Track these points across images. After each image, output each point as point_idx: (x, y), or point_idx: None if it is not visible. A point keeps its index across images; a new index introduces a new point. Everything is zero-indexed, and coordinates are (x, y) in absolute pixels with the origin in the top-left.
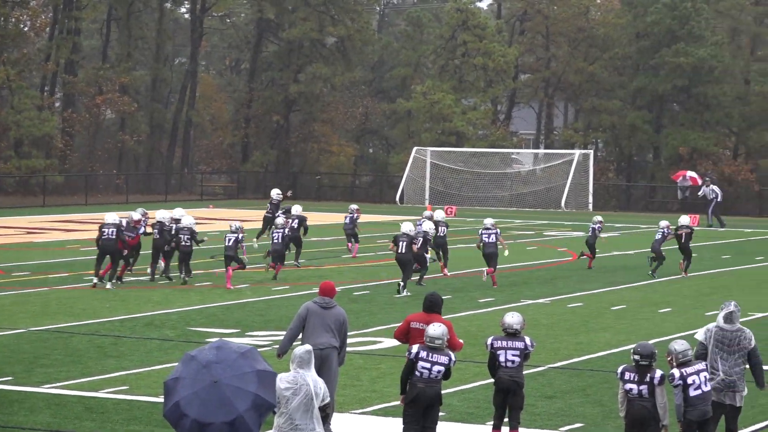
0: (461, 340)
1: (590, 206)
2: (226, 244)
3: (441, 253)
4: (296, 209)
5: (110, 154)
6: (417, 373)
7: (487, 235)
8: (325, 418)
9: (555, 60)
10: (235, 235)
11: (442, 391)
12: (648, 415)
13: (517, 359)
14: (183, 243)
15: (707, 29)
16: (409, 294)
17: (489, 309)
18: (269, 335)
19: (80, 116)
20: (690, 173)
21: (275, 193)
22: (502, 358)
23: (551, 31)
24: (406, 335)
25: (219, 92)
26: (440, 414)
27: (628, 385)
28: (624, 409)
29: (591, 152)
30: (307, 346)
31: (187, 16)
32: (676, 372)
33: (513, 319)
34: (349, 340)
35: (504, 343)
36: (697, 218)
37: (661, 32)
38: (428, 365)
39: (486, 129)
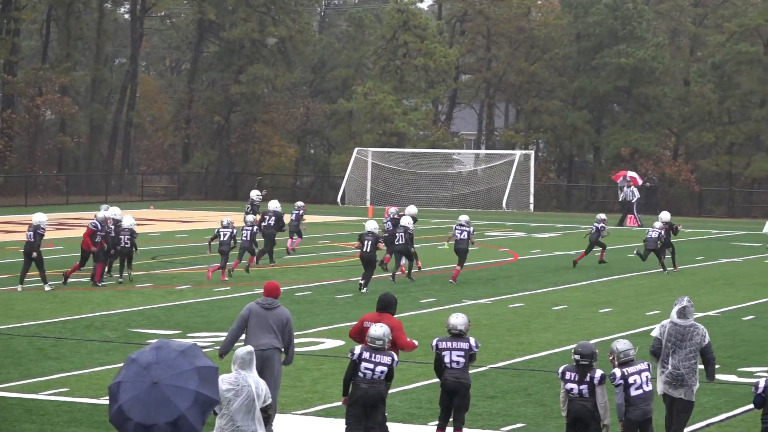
0: (415, 341)
1: (531, 206)
2: (222, 239)
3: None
4: (274, 204)
5: (50, 155)
6: (360, 373)
7: (459, 231)
8: (267, 420)
9: (496, 60)
10: (229, 230)
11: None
12: (589, 414)
13: (462, 360)
14: (123, 244)
15: (648, 30)
16: (351, 295)
17: (431, 309)
18: (211, 336)
19: (20, 117)
20: (630, 173)
21: (254, 194)
22: (447, 359)
23: (492, 32)
24: (361, 334)
25: (159, 93)
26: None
27: (569, 385)
28: (565, 408)
29: (532, 153)
30: (249, 348)
31: (127, 16)
32: (617, 371)
33: (458, 320)
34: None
35: (449, 344)
36: (634, 219)
37: (602, 33)
38: (371, 366)
39: (427, 129)
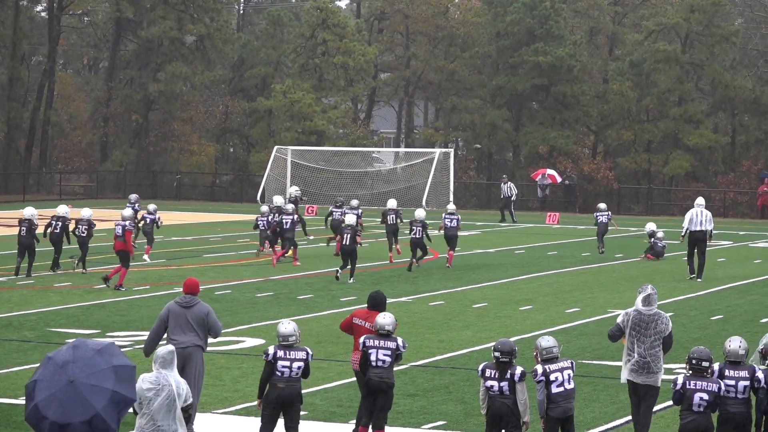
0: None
1: (451, 205)
2: (285, 227)
3: (395, 239)
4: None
5: None
6: (277, 372)
7: (449, 220)
8: (188, 419)
9: (415, 59)
10: (291, 216)
11: (307, 390)
12: (508, 411)
13: (388, 359)
14: (80, 234)
15: (565, 29)
16: (271, 294)
17: (351, 308)
18: (130, 335)
19: None
20: (549, 171)
21: (283, 197)
22: (373, 358)
23: (411, 30)
24: (350, 329)
25: (77, 91)
26: (303, 413)
27: (489, 382)
28: (485, 406)
29: (451, 151)
30: (170, 347)
31: (44, 14)
32: (539, 368)
33: (385, 320)
34: (212, 340)
35: (376, 342)
36: (557, 216)
37: (520, 32)
38: (287, 363)
39: (347, 128)
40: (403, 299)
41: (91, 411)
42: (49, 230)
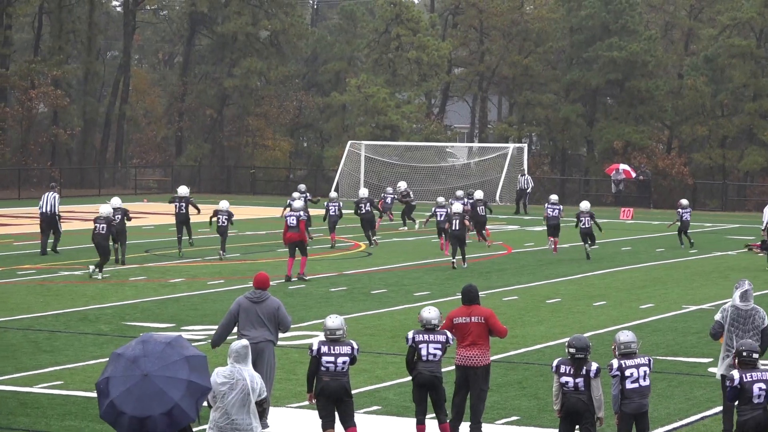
0: (505, 327)
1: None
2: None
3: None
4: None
5: (43, 148)
6: (323, 367)
7: (552, 209)
8: (262, 413)
9: (489, 54)
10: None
11: (380, 385)
12: (583, 407)
13: (438, 353)
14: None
15: (641, 23)
16: (345, 289)
17: (425, 303)
18: (204, 329)
19: (12, 110)
20: (623, 166)
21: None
22: (423, 352)
23: (485, 25)
24: (452, 330)
25: (152, 86)
26: (375, 408)
27: (564, 378)
28: (559, 402)
29: (525, 146)
30: (244, 341)
31: (119, 9)
32: (615, 362)
33: (431, 314)
34: (285, 335)
35: (426, 337)
36: (631, 211)
37: (594, 26)
38: (332, 359)
39: (420, 123)
40: None
41: (169, 402)
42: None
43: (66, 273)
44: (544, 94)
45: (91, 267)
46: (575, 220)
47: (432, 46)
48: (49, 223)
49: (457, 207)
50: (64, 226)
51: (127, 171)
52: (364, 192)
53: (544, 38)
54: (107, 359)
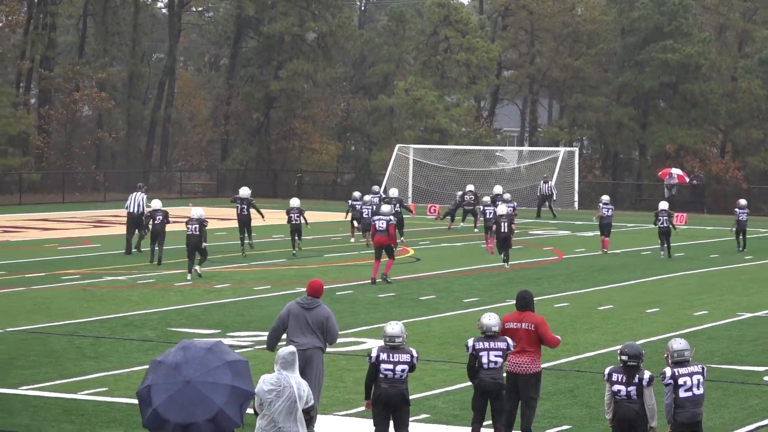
0: (558, 336)
1: (576, 204)
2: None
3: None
4: (393, 192)
5: (87, 151)
6: (381, 375)
7: (606, 209)
8: (309, 421)
9: (539, 56)
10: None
11: (429, 392)
12: (636, 416)
13: (500, 360)
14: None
15: (694, 26)
16: (393, 294)
17: (474, 309)
18: (250, 336)
19: (57, 113)
20: (676, 170)
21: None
22: (485, 360)
23: (535, 27)
24: (505, 334)
25: (198, 89)
26: (425, 416)
27: (616, 387)
28: (611, 411)
29: (576, 150)
30: (291, 348)
31: (164, 11)
32: (668, 371)
33: (491, 321)
34: None
35: (486, 344)
36: (685, 216)
37: (647, 28)
38: (391, 366)
39: (469, 126)
40: None
41: (213, 408)
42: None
43: (110, 278)
44: (595, 97)
45: (197, 268)
46: (653, 218)
47: (481, 48)
48: (136, 222)
49: (502, 209)
50: (107, 231)
51: (172, 175)
52: (394, 192)
53: (596, 40)
54: None
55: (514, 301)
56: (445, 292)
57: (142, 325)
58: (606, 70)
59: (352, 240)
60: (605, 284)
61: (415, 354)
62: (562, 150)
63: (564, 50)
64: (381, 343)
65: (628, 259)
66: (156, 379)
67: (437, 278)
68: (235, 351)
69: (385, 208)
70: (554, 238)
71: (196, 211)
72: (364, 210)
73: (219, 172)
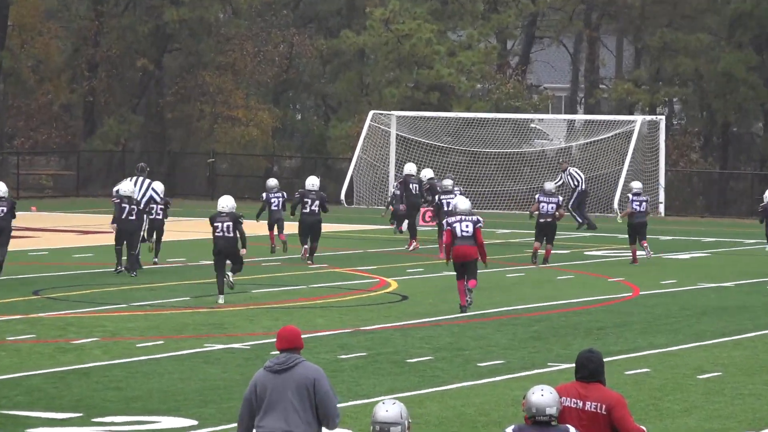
0: (642, 427)
1: (662, 208)
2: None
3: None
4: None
5: None
6: None
7: (638, 203)
8: None
9: None
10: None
11: None
12: None
13: None
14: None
15: None
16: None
17: (496, 378)
18: (130, 421)
19: None
20: None
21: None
22: None
23: None
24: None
25: (47, 20)
26: None
27: None
28: None
29: (662, 119)
30: None
31: None
32: None
33: (544, 398)
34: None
35: None
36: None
37: None
38: None
39: (488, 81)
40: None
41: None
42: None
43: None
44: (693, 35)
45: (230, 275)
46: None
47: None
48: None
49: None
50: None
51: (4, 159)
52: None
53: None
54: None
55: (573, 367)
56: (447, 350)
57: None
58: None
59: (276, 250)
60: (710, 338)
61: None
62: (639, 119)
63: None
64: None
65: (748, 297)
66: None
67: (434, 327)
68: None
69: (462, 202)
70: (625, 262)
71: (226, 202)
72: (272, 200)
73: (81, 156)
